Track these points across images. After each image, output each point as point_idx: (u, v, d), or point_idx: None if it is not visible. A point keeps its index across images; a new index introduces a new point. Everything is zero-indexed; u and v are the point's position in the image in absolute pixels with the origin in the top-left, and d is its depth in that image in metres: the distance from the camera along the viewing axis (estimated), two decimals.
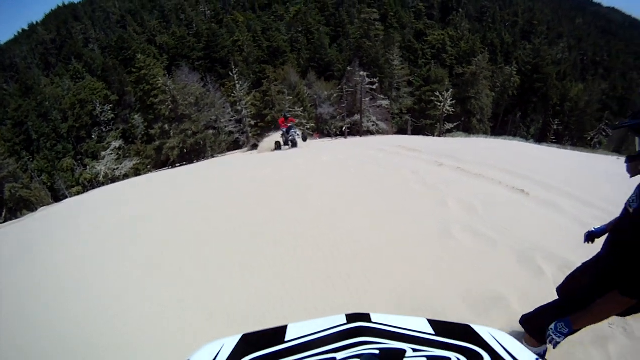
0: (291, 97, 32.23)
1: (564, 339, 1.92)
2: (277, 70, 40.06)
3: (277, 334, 0.93)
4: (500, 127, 49.14)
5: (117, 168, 31.48)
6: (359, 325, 0.93)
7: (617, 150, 39.44)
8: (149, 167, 29.39)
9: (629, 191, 2.21)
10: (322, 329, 0.92)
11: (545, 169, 9.25)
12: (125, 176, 28.80)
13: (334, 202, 6.61)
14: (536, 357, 0.83)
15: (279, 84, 32.17)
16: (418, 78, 44.97)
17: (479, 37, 58.71)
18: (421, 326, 0.93)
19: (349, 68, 40.62)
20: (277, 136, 21.33)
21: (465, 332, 0.93)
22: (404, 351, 0.82)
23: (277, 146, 18.55)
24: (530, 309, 2.57)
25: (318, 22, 58.06)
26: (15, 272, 6.60)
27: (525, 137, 43.67)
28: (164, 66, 49.12)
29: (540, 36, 66.09)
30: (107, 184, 25.45)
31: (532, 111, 51.88)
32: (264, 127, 26.47)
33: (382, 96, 39.08)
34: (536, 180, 8.02)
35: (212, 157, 25.50)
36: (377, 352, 0.80)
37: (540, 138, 45.02)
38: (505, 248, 4.44)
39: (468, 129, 42.29)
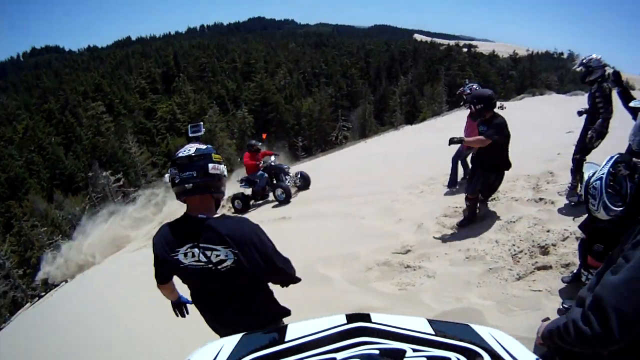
0: (46, 228, 33.58)
1: None
2: (23, 204, 42.78)
3: (277, 334, 1.01)
4: None
5: None
6: (359, 325, 1.00)
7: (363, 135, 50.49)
8: None
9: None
10: (322, 329, 0.99)
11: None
12: None
13: None
14: (536, 357, 0.89)
15: (28, 218, 33.91)
16: (160, 156, 54.28)
17: (205, 93, 69.03)
18: (421, 326, 1.00)
19: (90, 173, 43.53)
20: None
21: (465, 332, 1.02)
22: (404, 351, 0.87)
23: (240, 203, 12.01)
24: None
25: (48, 134, 61.07)
26: None
27: None
28: None
29: (260, 72, 77.64)
30: None
31: (275, 140, 60.54)
32: (32, 272, 26.78)
33: (132, 188, 41.68)
34: (292, 201, 10.52)
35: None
36: (377, 352, 0.87)
37: (292, 159, 54.64)
38: None
39: None
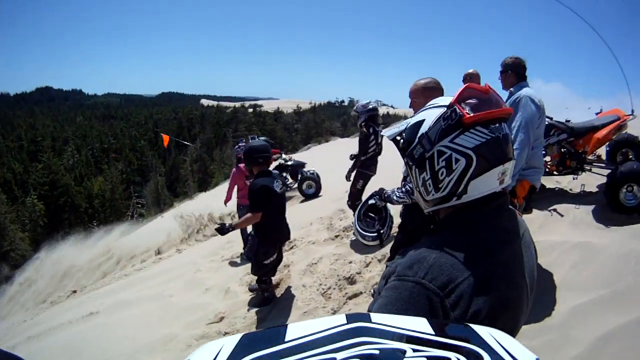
0: None
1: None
2: None
3: (277, 334, 0.90)
4: None
5: None
6: (359, 325, 0.90)
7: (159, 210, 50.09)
8: None
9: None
10: (322, 329, 0.89)
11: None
12: None
13: None
14: (536, 357, 0.80)
15: None
16: None
17: None
18: (421, 326, 0.91)
19: None
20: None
21: (465, 332, 0.92)
22: (404, 351, 0.78)
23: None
24: None
25: None
26: None
27: None
28: None
29: (48, 150, 69.63)
30: None
31: (69, 227, 51.78)
32: None
33: None
34: (97, 293, 10.29)
35: None
36: (377, 352, 0.79)
37: (90, 246, 46.65)
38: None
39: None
